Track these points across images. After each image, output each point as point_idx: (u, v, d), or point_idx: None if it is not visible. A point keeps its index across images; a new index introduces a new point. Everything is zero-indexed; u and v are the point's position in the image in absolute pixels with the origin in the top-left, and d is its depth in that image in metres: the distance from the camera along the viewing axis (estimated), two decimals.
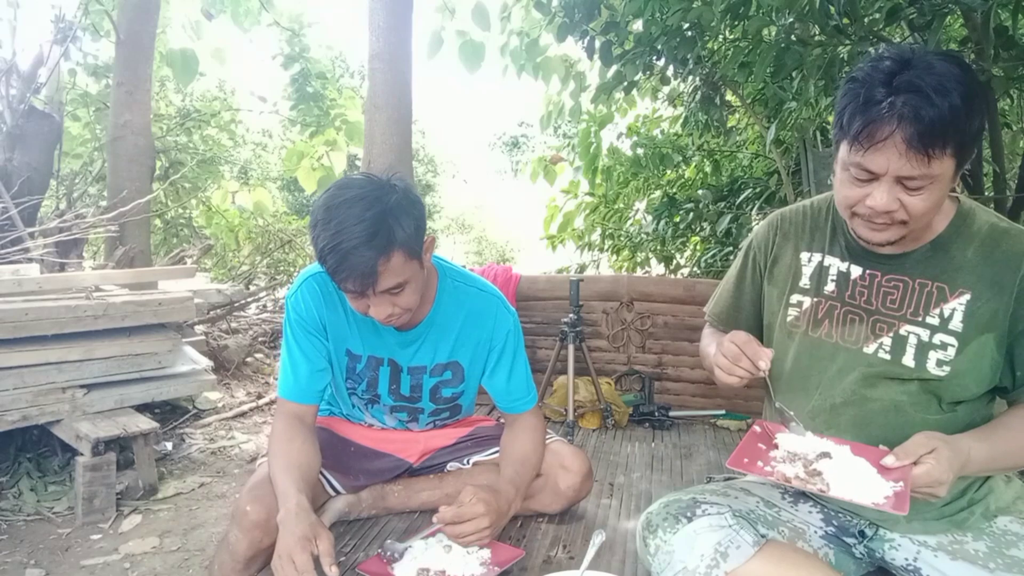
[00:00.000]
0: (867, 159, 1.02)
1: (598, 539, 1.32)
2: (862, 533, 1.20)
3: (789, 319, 1.27)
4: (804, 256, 1.27)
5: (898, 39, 2.68)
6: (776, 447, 1.14)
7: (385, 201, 1.27)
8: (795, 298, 1.27)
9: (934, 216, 1.09)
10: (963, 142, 0.99)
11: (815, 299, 1.24)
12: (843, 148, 1.07)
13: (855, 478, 1.04)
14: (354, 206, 1.25)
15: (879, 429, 1.16)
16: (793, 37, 2.61)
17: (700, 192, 4.86)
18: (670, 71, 3.64)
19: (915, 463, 1.01)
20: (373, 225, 1.24)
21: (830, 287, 1.23)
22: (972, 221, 1.15)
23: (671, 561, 1.11)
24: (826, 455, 1.09)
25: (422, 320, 1.52)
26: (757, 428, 1.19)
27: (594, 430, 2.70)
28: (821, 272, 1.25)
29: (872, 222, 1.07)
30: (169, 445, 3.34)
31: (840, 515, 1.23)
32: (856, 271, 1.21)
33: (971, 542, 1.10)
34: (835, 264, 1.23)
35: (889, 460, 1.04)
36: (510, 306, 1.61)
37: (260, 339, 5.30)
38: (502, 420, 1.83)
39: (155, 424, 2.85)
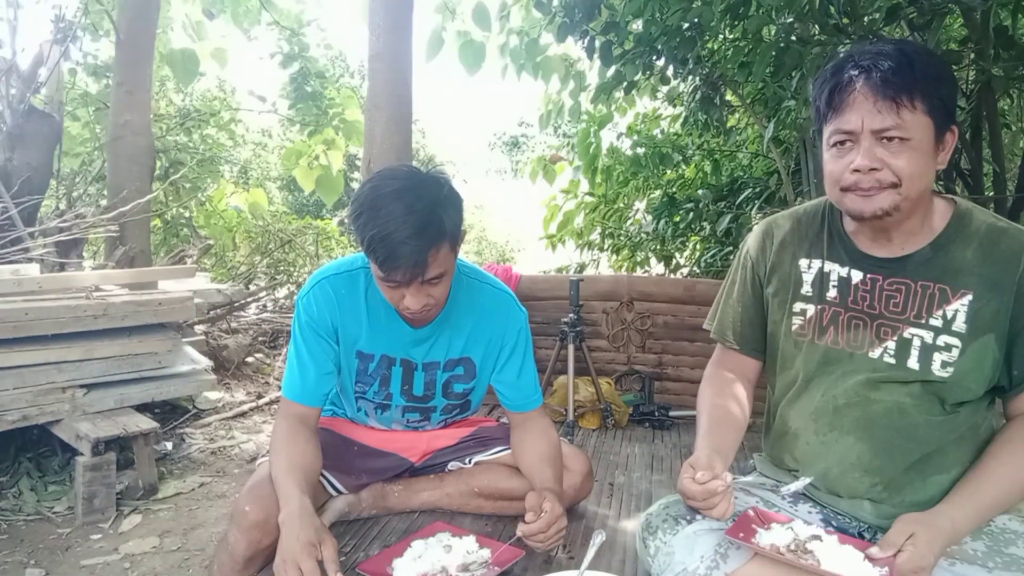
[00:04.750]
0: (842, 120, 1.08)
1: (598, 539, 1.32)
2: (861, 535, 1.20)
3: (794, 328, 1.26)
4: (803, 263, 1.27)
5: (898, 38, 2.68)
6: (769, 528, 1.14)
7: (434, 193, 1.29)
8: (798, 306, 1.26)
9: (922, 187, 1.10)
10: (932, 100, 1.05)
11: (818, 306, 1.24)
12: (824, 130, 1.13)
13: (843, 558, 1.05)
14: (404, 196, 1.26)
15: (882, 431, 1.16)
16: (793, 36, 2.61)
17: (700, 192, 4.85)
18: (670, 71, 3.64)
19: (897, 551, 1.02)
20: (424, 216, 1.25)
21: (832, 293, 1.23)
22: (970, 221, 1.15)
23: (671, 563, 1.11)
24: (816, 538, 1.09)
25: (436, 316, 1.52)
26: (751, 512, 1.18)
27: (594, 430, 2.70)
28: (822, 279, 1.24)
29: (860, 189, 1.09)
30: (169, 445, 3.34)
31: (840, 517, 1.23)
32: (857, 276, 1.20)
33: (969, 542, 1.10)
34: (835, 270, 1.23)
35: (873, 551, 1.05)
36: (521, 304, 1.62)
37: (260, 339, 5.29)
38: (503, 420, 1.83)
39: (155, 424, 2.85)
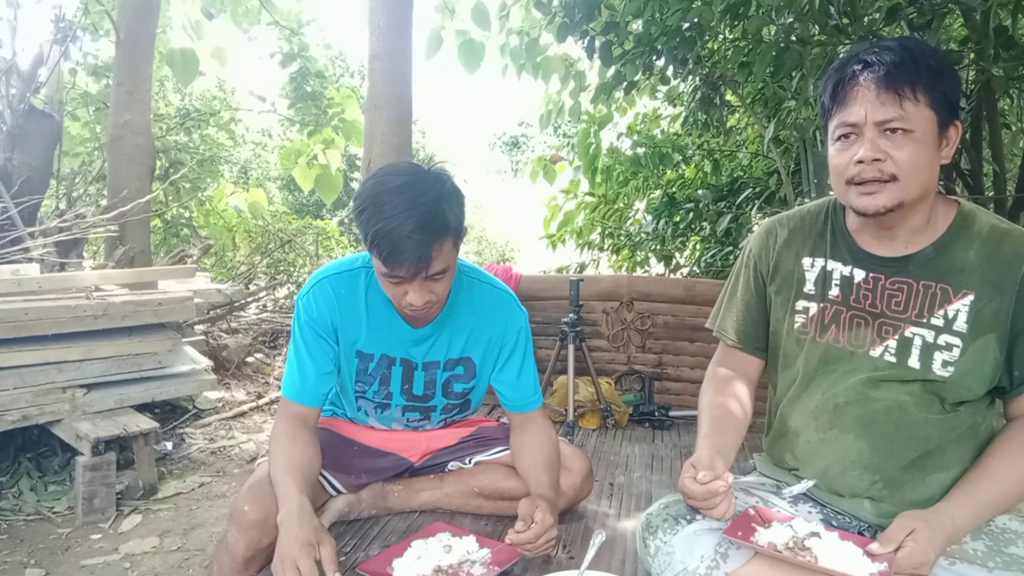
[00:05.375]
0: (846, 113, 1.10)
1: (598, 539, 1.32)
2: (861, 535, 1.20)
3: (797, 326, 1.27)
4: (806, 261, 1.27)
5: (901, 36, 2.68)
6: (768, 526, 1.14)
7: (437, 189, 1.30)
8: (801, 304, 1.27)
9: (925, 181, 1.10)
10: (934, 94, 1.06)
11: (821, 304, 1.24)
12: (829, 125, 1.15)
13: (841, 555, 1.05)
14: (407, 191, 1.27)
15: (882, 428, 1.16)
16: (793, 37, 2.61)
17: (700, 192, 4.85)
18: (670, 71, 3.64)
19: (898, 547, 1.02)
20: (428, 211, 1.25)
21: (834, 291, 1.23)
22: (973, 222, 1.16)
23: (671, 562, 1.11)
24: (815, 535, 1.09)
25: (437, 315, 1.52)
26: (751, 511, 1.18)
27: (594, 430, 2.70)
28: (825, 277, 1.25)
29: (865, 185, 1.10)
30: (169, 445, 3.34)
31: (840, 516, 1.23)
32: (860, 275, 1.21)
33: (969, 541, 1.10)
34: (838, 268, 1.23)
35: (874, 547, 1.05)
36: (521, 304, 1.62)
37: (260, 339, 5.29)
38: (503, 420, 1.83)
39: (155, 424, 2.85)
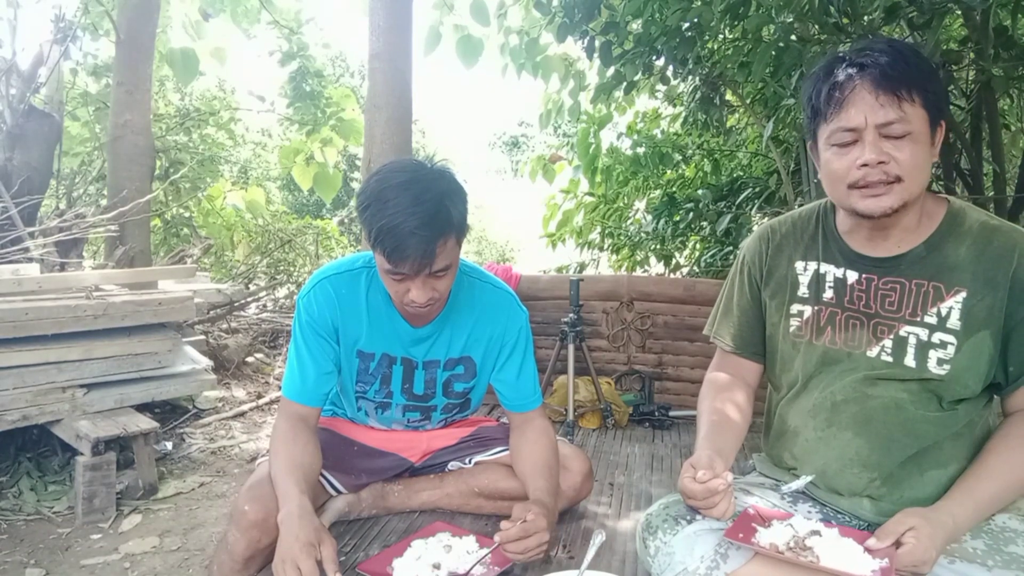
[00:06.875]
0: (844, 118, 1.09)
1: (598, 539, 1.32)
2: (861, 531, 1.20)
3: (792, 329, 1.27)
4: (799, 265, 1.28)
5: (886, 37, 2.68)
6: (769, 526, 1.14)
7: (440, 185, 1.30)
8: (795, 308, 1.27)
9: (926, 180, 1.11)
10: (926, 93, 1.07)
11: (815, 307, 1.25)
12: (822, 130, 1.14)
13: (843, 553, 1.05)
14: (410, 188, 1.27)
15: (880, 426, 1.16)
16: (792, 36, 2.61)
17: (700, 191, 4.85)
18: (670, 71, 3.64)
19: (898, 543, 1.02)
20: (432, 207, 1.26)
21: (828, 294, 1.24)
22: (963, 220, 1.16)
23: (671, 563, 1.11)
24: (816, 533, 1.09)
25: (438, 313, 1.52)
26: (751, 511, 1.18)
27: (594, 430, 2.70)
28: (818, 280, 1.25)
29: (870, 187, 1.10)
30: (169, 445, 3.34)
31: (840, 515, 1.23)
32: (852, 276, 1.21)
33: (969, 540, 1.10)
34: (831, 271, 1.24)
35: (872, 542, 1.05)
36: (521, 304, 1.62)
37: (260, 339, 5.29)
38: (503, 420, 1.83)
39: (155, 424, 2.85)
